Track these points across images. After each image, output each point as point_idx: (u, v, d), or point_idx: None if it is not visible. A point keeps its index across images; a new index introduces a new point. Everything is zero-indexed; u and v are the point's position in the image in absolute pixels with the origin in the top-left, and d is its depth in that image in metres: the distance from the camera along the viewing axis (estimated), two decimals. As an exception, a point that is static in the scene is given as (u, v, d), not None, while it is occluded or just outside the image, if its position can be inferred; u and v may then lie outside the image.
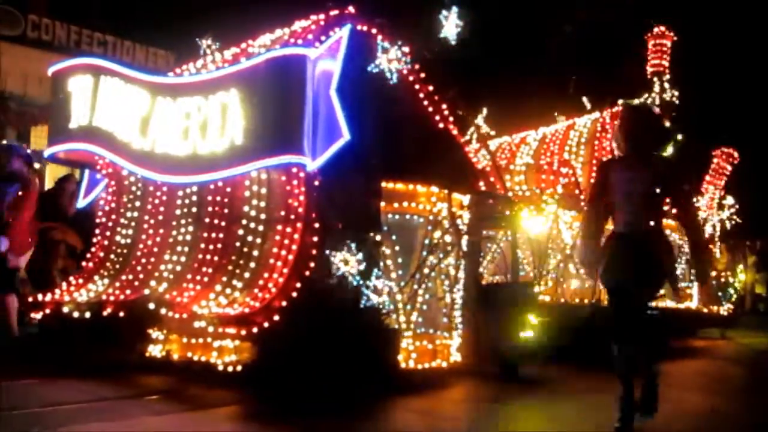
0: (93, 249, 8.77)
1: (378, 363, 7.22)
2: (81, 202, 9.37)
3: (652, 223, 5.62)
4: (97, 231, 8.77)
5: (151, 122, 7.61)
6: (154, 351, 7.86)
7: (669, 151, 5.84)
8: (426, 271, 8.10)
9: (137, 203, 8.47)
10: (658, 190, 5.67)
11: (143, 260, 8.14)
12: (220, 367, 7.15)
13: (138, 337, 7.84)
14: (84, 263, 8.86)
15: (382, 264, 7.75)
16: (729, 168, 14.68)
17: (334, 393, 6.49)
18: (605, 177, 5.88)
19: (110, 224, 8.65)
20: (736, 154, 14.68)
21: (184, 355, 7.73)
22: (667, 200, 5.80)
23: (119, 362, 7.75)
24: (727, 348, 13.21)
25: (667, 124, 5.96)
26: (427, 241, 8.15)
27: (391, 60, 7.64)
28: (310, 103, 6.90)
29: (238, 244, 7.48)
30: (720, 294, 15.01)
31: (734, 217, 14.78)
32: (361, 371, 6.89)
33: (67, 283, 8.49)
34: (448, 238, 8.33)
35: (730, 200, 14.74)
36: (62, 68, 8.54)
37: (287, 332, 6.86)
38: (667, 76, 12.76)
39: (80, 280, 8.39)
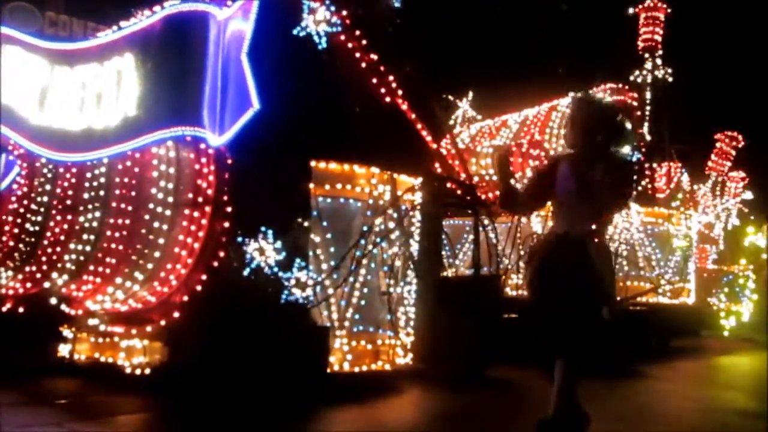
0: (3, 238, 7.96)
1: (304, 366, 6.36)
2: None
3: (594, 227, 4.91)
4: (9, 218, 7.95)
5: (49, 94, 6.78)
6: (64, 351, 7.12)
7: (626, 149, 5.05)
8: (365, 261, 7.18)
9: (47, 187, 7.65)
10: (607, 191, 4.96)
11: (49, 250, 7.32)
12: (128, 370, 6.50)
13: (48, 335, 7.10)
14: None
15: (311, 254, 6.87)
16: (733, 152, 13.65)
17: (253, 400, 5.80)
18: (551, 171, 5.12)
19: (21, 210, 7.84)
20: (740, 138, 13.65)
21: (92, 355, 7.01)
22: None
23: (24, 363, 6.98)
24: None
25: (628, 124, 5.08)
26: (366, 228, 7.21)
27: (318, 22, 6.74)
28: (214, 69, 6.07)
29: (144, 231, 6.62)
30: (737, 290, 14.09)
31: (741, 206, 13.79)
32: (284, 375, 6.09)
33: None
34: (392, 226, 7.41)
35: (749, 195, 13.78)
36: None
37: (197, 332, 6.10)
38: (660, 52, 11.80)
39: (-14, 273, 7.60)
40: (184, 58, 5.97)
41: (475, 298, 8.11)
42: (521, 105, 12.23)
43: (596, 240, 4.92)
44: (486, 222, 9.90)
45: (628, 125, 5.25)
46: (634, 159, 10.33)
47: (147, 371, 6.42)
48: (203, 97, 5.88)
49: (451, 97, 12.47)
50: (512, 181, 5.21)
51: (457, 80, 12.74)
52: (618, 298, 10.49)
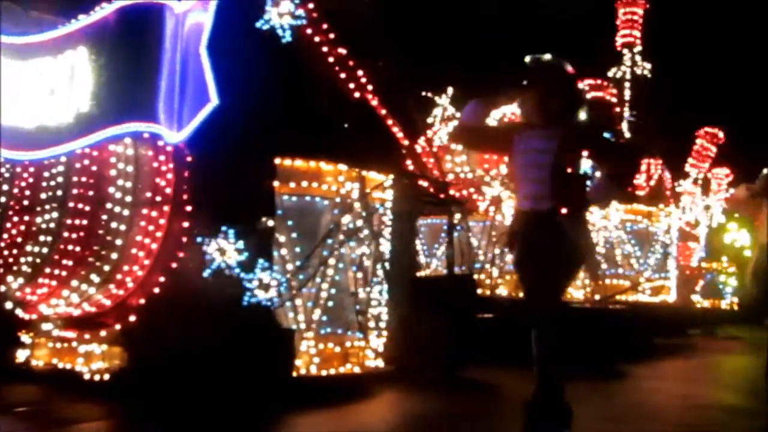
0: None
1: (268, 370, 6.14)
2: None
3: (560, 197, 4.69)
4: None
5: (2, 90, 6.51)
6: (22, 357, 6.91)
7: (582, 116, 4.81)
8: (333, 262, 6.97)
9: (5, 187, 7.38)
10: (574, 160, 4.80)
11: (5, 252, 7.07)
12: (87, 376, 6.27)
13: (4, 340, 6.87)
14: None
15: (276, 254, 6.65)
16: (714, 149, 13.50)
17: (215, 406, 5.58)
18: (506, 133, 4.96)
19: (-21, 212, 7.57)
20: (721, 134, 13.49)
21: (50, 361, 6.80)
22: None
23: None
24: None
25: (585, 89, 4.84)
26: (332, 227, 7.00)
27: (282, 14, 6.52)
28: (171, 64, 5.86)
29: (101, 232, 6.39)
30: (721, 286, 13.98)
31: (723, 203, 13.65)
32: (247, 380, 5.88)
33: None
34: (361, 224, 7.20)
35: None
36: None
37: (157, 336, 5.89)
38: (639, 48, 11.64)
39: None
40: (139, 51, 5.75)
41: (450, 298, 7.94)
42: (504, 101, 11.96)
43: (565, 212, 4.70)
44: (459, 221, 9.77)
45: (584, 91, 5.03)
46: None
47: (106, 377, 6.20)
48: (158, 92, 5.66)
49: (430, 95, 12.27)
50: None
51: (436, 77, 12.55)
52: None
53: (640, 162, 10.35)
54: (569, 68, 4.91)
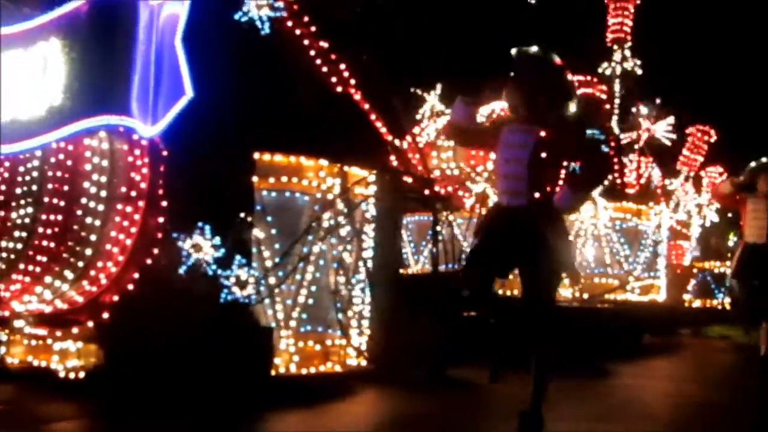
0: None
1: (246, 368, 6.03)
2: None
3: (537, 195, 4.61)
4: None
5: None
6: (-2, 355, 6.74)
7: (572, 110, 4.67)
8: (313, 259, 6.85)
9: (-21, 182, 7.27)
10: (555, 158, 4.71)
11: (-20, 248, 6.94)
12: (62, 374, 6.12)
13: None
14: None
15: (255, 251, 6.54)
16: (705, 147, 13.40)
17: (191, 405, 5.43)
18: (494, 130, 4.82)
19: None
20: (712, 132, 13.39)
21: (25, 359, 6.65)
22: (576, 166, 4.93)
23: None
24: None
25: (575, 83, 4.70)
26: (314, 224, 6.88)
27: (261, 6, 6.41)
28: (145, 56, 5.75)
29: (76, 227, 6.27)
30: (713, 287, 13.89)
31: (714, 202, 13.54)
32: (224, 378, 5.76)
33: None
34: (342, 221, 7.08)
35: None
36: None
37: (132, 333, 5.79)
38: (629, 44, 11.53)
39: None
40: (112, 43, 5.64)
41: (435, 296, 7.81)
42: (492, 98, 11.87)
43: (543, 208, 4.63)
44: (447, 218, 9.65)
45: (573, 84, 4.90)
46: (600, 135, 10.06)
47: (81, 375, 6.07)
48: (131, 84, 5.56)
49: (419, 91, 12.14)
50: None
51: (424, 73, 12.43)
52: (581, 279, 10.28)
53: (615, 166, 10.26)
54: (557, 60, 4.78)
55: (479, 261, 4.67)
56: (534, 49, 4.79)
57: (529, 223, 4.55)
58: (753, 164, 7.90)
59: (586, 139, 5.57)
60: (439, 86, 11.36)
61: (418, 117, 11.26)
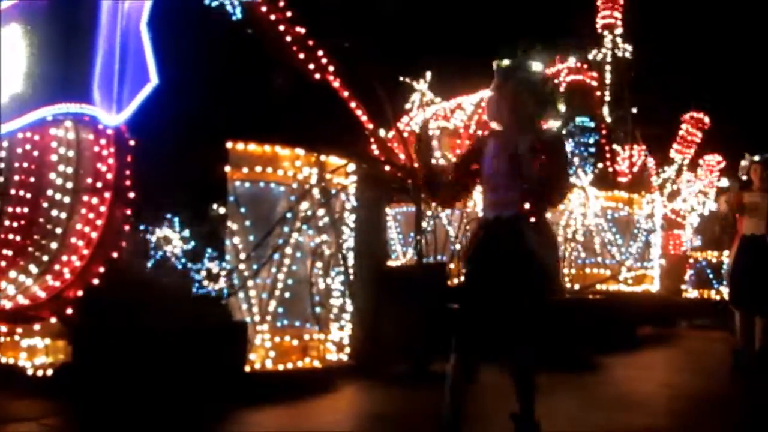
0: None
1: (218, 364, 5.85)
2: None
3: (527, 206, 4.46)
4: None
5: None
6: (-34, 352, 6.55)
7: (551, 122, 4.55)
8: (289, 251, 6.64)
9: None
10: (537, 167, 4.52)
11: (-54, 243, 6.73)
12: (30, 371, 5.93)
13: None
14: None
15: (229, 243, 6.34)
16: (699, 135, 13.17)
17: (162, 402, 5.27)
18: (477, 152, 4.68)
19: None
20: (707, 120, 13.16)
21: (-7, 357, 6.44)
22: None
23: None
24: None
25: (558, 95, 4.56)
26: (290, 215, 6.67)
27: (231, -11, 6.20)
28: (109, 41, 5.55)
29: (42, 220, 6.07)
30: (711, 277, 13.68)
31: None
32: (195, 374, 5.59)
33: None
34: (320, 212, 6.87)
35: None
36: None
37: (100, 329, 5.61)
38: (620, 30, 11.29)
39: None
40: (74, 28, 5.41)
41: (419, 288, 7.62)
42: (482, 86, 11.68)
43: (532, 219, 4.46)
44: (436, 209, 9.44)
45: (559, 97, 4.78)
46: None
47: (50, 372, 5.89)
48: (93, 71, 5.35)
49: (408, 80, 11.91)
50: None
51: (415, 61, 12.22)
52: (565, 281, 10.10)
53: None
54: (539, 70, 4.67)
55: (474, 302, 4.46)
56: (515, 60, 4.67)
57: (516, 234, 4.40)
58: (744, 162, 7.95)
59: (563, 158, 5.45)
60: (428, 74, 11.13)
61: (408, 106, 11.06)
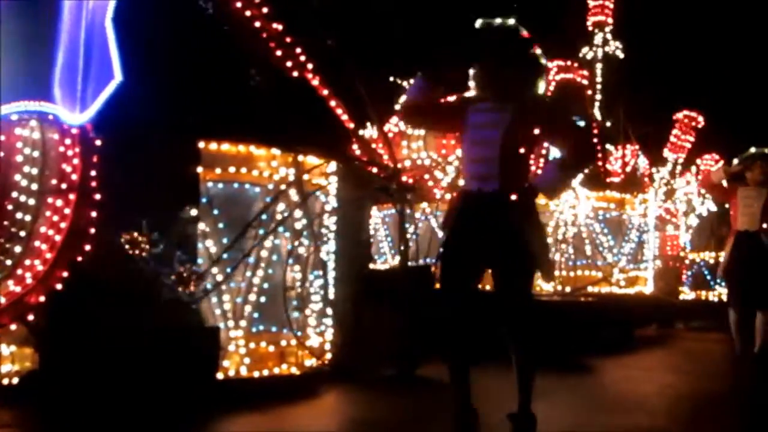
0: None
1: (189, 371, 5.66)
2: None
3: (509, 179, 4.33)
4: None
5: None
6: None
7: (541, 88, 4.32)
8: (265, 254, 6.45)
9: None
10: (528, 139, 4.45)
11: None
12: (-5, 380, 5.75)
13: None
14: None
15: (201, 246, 6.15)
16: (693, 133, 12.97)
17: (131, 411, 5.12)
18: (460, 109, 4.46)
19: None
20: (700, 118, 12.97)
21: (-40, 365, 6.25)
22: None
23: None
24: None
25: (542, 58, 4.33)
26: (265, 217, 6.46)
27: (202, -16, 6.01)
28: (72, 37, 5.37)
29: (6, 223, 5.85)
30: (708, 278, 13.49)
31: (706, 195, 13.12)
32: (167, 382, 5.43)
33: None
34: (298, 213, 6.67)
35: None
36: None
37: (68, 336, 5.49)
38: (610, 27, 11.11)
39: None
40: (33, 23, 5.23)
41: (404, 291, 7.43)
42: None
43: (513, 198, 4.30)
44: (424, 210, 9.27)
45: (543, 59, 4.53)
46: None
47: (15, 381, 5.70)
48: (53, 67, 5.16)
49: (398, 80, 11.72)
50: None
51: (401, 59, 12.03)
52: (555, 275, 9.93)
53: (598, 149, 9.82)
54: (524, 33, 4.43)
55: (454, 262, 4.34)
56: (500, 20, 4.44)
57: (501, 213, 4.24)
58: (742, 155, 7.80)
59: (567, 120, 5.24)
60: (418, 74, 10.91)
61: (396, 107, 10.87)
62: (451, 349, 4.44)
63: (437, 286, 4.58)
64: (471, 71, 4.48)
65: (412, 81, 4.65)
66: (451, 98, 4.71)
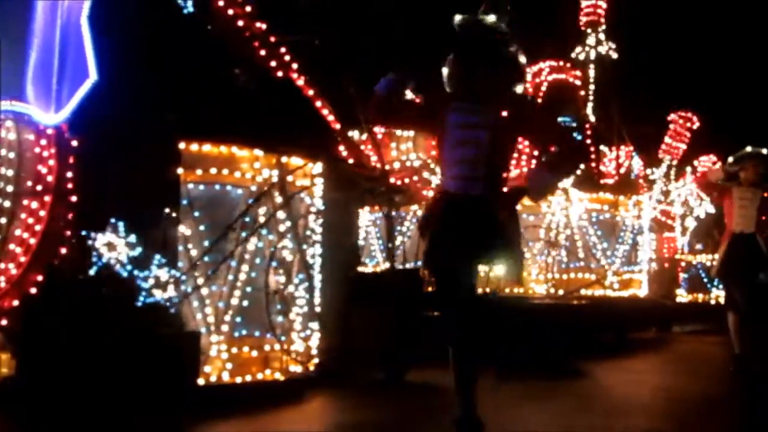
0: None
1: (169, 377, 5.54)
2: None
3: (494, 181, 4.25)
4: None
5: None
6: None
7: (519, 87, 4.19)
8: (248, 257, 6.31)
9: None
10: (513, 140, 4.44)
11: None
12: (-28, 386, 5.63)
13: None
14: None
15: (182, 249, 6.01)
16: (688, 135, 12.85)
17: (110, 418, 5.03)
18: (437, 108, 4.31)
19: None
20: (695, 119, 12.85)
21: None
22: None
23: None
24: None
25: (521, 56, 4.19)
26: (248, 219, 6.33)
27: (181, -18, 5.90)
28: (47, 35, 5.32)
29: (-18, 226, 5.75)
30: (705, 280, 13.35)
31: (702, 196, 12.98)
32: (146, 388, 5.32)
33: None
34: (282, 215, 6.54)
35: None
36: None
37: (45, 341, 5.36)
38: (603, 27, 10.99)
39: None
40: (4, 22, 5.12)
41: (392, 294, 7.31)
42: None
43: (498, 198, 4.22)
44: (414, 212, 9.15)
45: (521, 57, 4.38)
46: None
47: (-6, 386, 5.61)
48: (26, 66, 5.04)
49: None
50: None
51: (402, 61, 11.89)
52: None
53: (590, 150, 9.68)
54: (504, 28, 4.29)
55: (450, 263, 4.21)
56: (478, 17, 4.30)
57: (486, 215, 4.12)
58: (737, 154, 7.70)
59: (552, 121, 5.12)
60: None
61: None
62: (462, 351, 4.28)
63: (432, 289, 4.47)
64: (445, 69, 4.36)
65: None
66: (420, 97, 4.63)
